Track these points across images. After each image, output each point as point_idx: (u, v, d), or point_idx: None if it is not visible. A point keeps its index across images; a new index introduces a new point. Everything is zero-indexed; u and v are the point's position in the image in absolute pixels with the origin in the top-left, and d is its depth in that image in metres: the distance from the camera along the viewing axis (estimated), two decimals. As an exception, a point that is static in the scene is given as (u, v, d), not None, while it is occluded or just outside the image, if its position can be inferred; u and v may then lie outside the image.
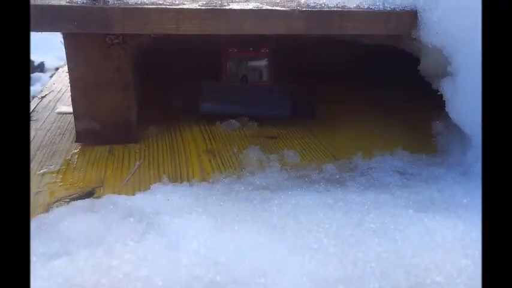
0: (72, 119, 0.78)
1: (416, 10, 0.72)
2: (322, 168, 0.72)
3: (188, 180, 0.68)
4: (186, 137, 0.85)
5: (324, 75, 1.23)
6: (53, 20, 0.66)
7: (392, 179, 0.68)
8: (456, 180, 0.67)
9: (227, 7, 0.70)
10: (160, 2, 0.71)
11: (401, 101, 1.09)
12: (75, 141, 0.79)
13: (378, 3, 0.74)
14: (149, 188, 0.64)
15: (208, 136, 0.86)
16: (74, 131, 0.79)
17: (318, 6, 0.74)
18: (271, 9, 0.70)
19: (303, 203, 0.59)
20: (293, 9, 0.71)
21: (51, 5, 0.66)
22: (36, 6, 0.64)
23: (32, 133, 0.84)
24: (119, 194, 0.63)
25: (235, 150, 0.79)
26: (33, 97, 1.08)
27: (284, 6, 0.72)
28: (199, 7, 0.69)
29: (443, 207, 0.59)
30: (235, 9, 0.70)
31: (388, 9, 0.73)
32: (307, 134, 0.88)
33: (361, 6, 0.74)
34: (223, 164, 0.74)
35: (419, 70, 0.80)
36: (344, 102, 1.09)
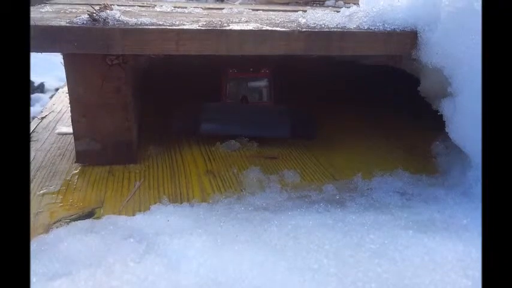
0: (72, 140, 0.78)
1: (416, 31, 0.73)
2: (322, 189, 0.72)
3: (188, 200, 0.68)
4: (186, 158, 0.85)
5: (324, 95, 1.24)
6: (53, 40, 0.66)
7: (392, 199, 0.68)
8: (456, 201, 0.67)
9: (227, 28, 0.70)
10: (161, 23, 0.71)
11: (402, 121, 1.09)
12: (75, 162, 0.79)
13: (378, 24, 0.74)
14: (149, 209, 0.64)
15: (209, 157, 0.86)
16: (74, 152, 0.80)
17: (318, 27, 0.74)
18: (271, 30, 0.71)
19: (303, 223, 0.59)
20: (293, 30, 0.71)
21: (51, 26, 0.66)
22: (36, 26, 0.65)
23: (32, 154, 0.83)
24: (119, 214, 0.63)
25: (235, 170, 0.79)
26: (33, 118, 1.08)
27: (284, 27, 0.73)
28: (199, 28, 0.69)
29: (443, 228, 0.59)
30: (235, 30, 0.70)
31: (388, 29, 0.73)
32: (307, 154, 0.88)
33: (361, 27, 0.74)
34: (223, 185, 0.74)
35: (419, 90, 0.80)
36: (344, 122, 1.09)
